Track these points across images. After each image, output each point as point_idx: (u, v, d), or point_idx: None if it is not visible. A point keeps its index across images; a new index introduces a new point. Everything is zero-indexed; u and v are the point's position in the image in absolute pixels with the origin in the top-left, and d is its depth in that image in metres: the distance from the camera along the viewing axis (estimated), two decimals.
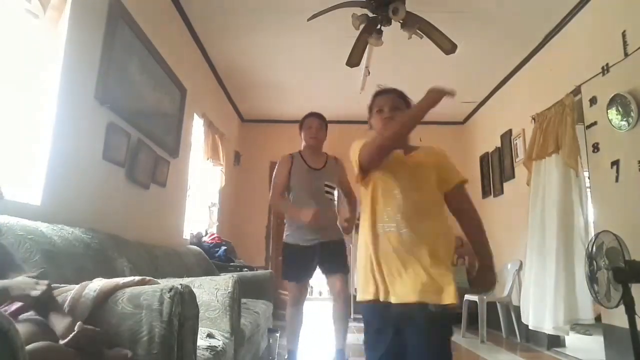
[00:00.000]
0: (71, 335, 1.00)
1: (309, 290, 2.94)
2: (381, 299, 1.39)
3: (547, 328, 3.45)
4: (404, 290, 1.36)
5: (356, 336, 4.53)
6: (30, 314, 1.08)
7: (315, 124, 2.87)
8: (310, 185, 2.78)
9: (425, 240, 1.40)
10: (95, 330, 1.09)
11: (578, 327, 4.36)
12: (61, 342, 1.00)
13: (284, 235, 2.85)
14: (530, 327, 3.64)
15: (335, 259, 2.77)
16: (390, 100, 1.60)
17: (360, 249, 1.51)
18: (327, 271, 2.81)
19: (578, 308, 3.32)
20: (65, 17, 2.01)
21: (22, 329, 0.96)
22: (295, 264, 2.77)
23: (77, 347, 1.00)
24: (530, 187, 3.85)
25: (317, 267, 2.81)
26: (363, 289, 1.46)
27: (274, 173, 2.89)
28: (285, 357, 2.83)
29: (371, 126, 1.65)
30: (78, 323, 1.04)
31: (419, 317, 1.33)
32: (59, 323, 1.05)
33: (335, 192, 2.98)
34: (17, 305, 1.07)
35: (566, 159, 3.36)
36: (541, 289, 3.51)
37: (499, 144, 4.92)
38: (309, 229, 2.69)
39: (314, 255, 2.74)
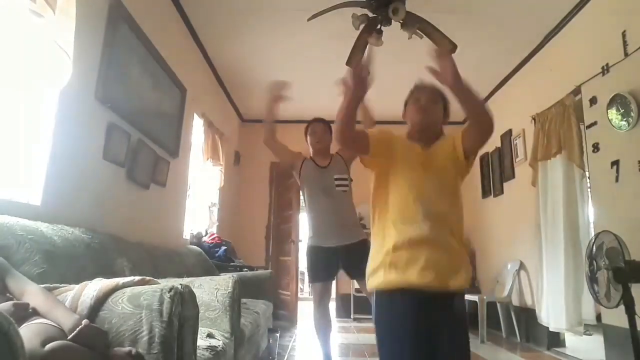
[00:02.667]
0: (77, 330, 1.03)
1: (331, 291, 2.96)
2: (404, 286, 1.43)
3: (562, 328, 3.46)
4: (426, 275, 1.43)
5: (356, 336, 4.54)
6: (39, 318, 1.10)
7: (319, 128, 2.94)
8: (320, 183, 2.84)
9: (441, 231, 1.47)
10: (100, 329, 1.12)
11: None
12: (69, 337, 1.03)
13: (308, 239, 2.91)
14: (550, 329, 3.64)
15: (360, 263, 2.74)
16: (428, 93, 1.64)
17: (377, 238, 1.57)
18: (356, 276, 2.84)
19: (582, 308, 3.34)
20: (72, 17, 2.01)
21: (36, 329, 0.99)
22: (317, 265, 2.83)
23: (83, 343, 1.02)
24: (537, 188, 3.85)
25: (341, 270, 2.84)
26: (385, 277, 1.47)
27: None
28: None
29: (405, 117, 1.70)
30: (84, 320, 1.08)
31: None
32: (66, 319, 1.08)
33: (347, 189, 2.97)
34: None
35: (574, 159, 3.37)
36: (554, 289, 3.53)
37: (499, 144, 4.92)
38: (329, 231, 2.76)
39: (335, 257, 2.77)
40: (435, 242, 1.45)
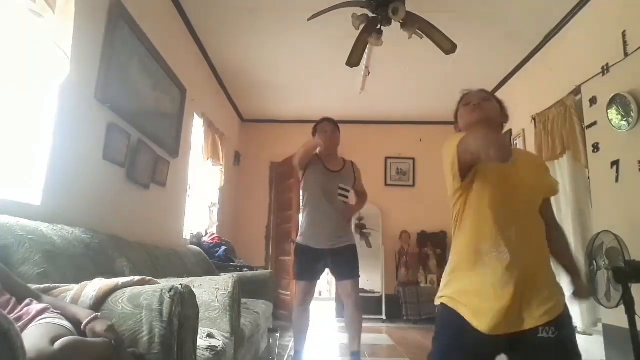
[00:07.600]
0: (92, 315, 1.10)
1: (315, 291, 2.96)
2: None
3: (578, 330, 3.45)
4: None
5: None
6: (52, 314, 1.11)
7: (329, 128, 2.94)
8: (324, 187, 2.83)
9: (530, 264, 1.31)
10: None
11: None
12: (84, 323, 1.11)
13: (298, 235, 2.92)
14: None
15: (346, 265, 2.82)
16: (477, 93, 1.54)
17: (454, 253, 1.42)
18: (338, 276, 2.87)
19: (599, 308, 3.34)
20: (71, 17, 2.01)
21: (44, 329, 1.01)
22: (303, 264, 2.83)
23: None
24: None
25: (327, 270, 2.88)
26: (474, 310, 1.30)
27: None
28: (292, 358, 2.85)
29: (458, 125, 1.56)
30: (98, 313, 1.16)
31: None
32: (83, 313, 1.14)
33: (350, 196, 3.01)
34: (39, 306, 1.11)
35: (580, 158, 3.35)
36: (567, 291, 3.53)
37: None
38: (321, 234, 2.78)
39: (322, 259, 2.80)
40: (518, 272, 1.28)
